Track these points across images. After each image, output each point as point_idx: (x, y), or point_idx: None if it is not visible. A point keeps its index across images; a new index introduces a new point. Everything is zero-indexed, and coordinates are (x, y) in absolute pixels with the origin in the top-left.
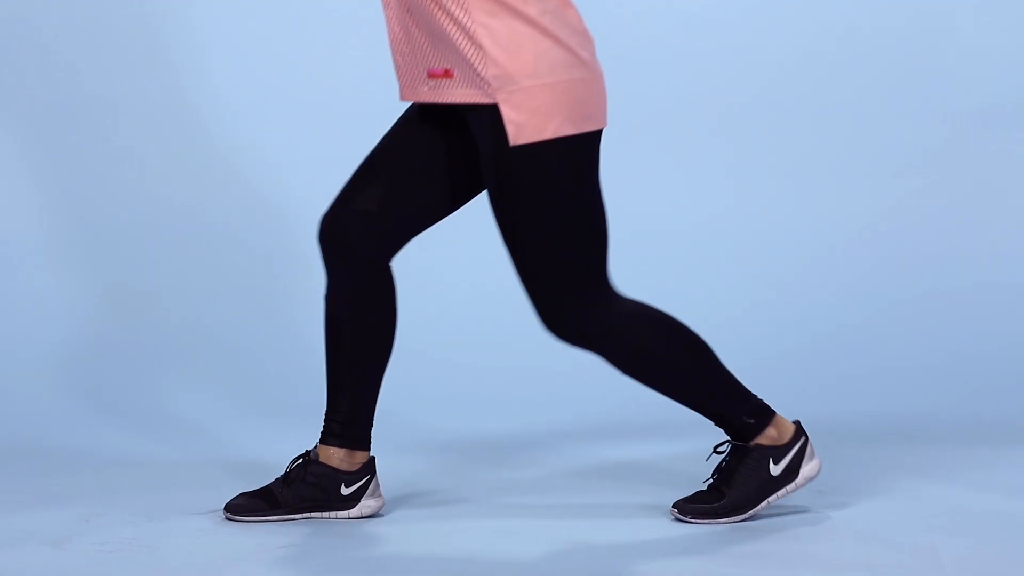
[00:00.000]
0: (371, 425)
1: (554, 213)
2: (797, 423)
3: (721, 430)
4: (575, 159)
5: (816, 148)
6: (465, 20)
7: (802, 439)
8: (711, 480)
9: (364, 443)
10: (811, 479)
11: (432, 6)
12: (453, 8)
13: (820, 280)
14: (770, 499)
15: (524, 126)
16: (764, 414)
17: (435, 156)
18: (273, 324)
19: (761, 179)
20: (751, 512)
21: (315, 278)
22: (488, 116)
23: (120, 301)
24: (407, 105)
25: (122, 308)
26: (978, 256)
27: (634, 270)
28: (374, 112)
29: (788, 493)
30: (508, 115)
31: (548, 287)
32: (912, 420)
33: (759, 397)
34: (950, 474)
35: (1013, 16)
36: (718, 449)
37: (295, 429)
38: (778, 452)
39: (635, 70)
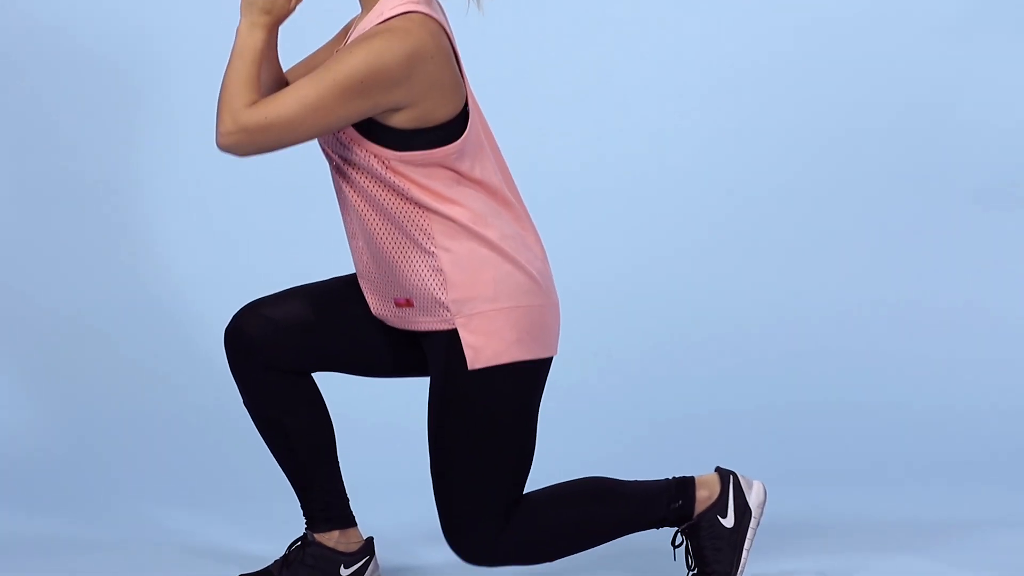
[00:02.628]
0: (347, 501)
1: (494, 436)
2: (717, 469)
3: (666, 528)
4: (524, 384)
5: (813, 227)
6: (428, 245)
7: (730, 479)
8: (693, 572)
9: (350, 519)
10: (763, 502)
11: (396, 235)
12: (416, 234)
13: (819, 354)
14: (745, 547)
15: (482, 350)
16: (684, 489)
17: (376, 330)
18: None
19: (757, 258)
20: (741, 570)
21: None
22: (444, 340)
23: (116, 380)
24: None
25: (117, 388)
26: (976, 333)
27: (637, 352)
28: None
29: (755, 531)
30: (466, 339)
31: (465, 511)
32: (901, 489)
33: (668, 478)
34: (931, 548)
35: (1011, 96)
36: (675, 543)
37: (296, 510)
38: (720, 506)
39: (636, 145)
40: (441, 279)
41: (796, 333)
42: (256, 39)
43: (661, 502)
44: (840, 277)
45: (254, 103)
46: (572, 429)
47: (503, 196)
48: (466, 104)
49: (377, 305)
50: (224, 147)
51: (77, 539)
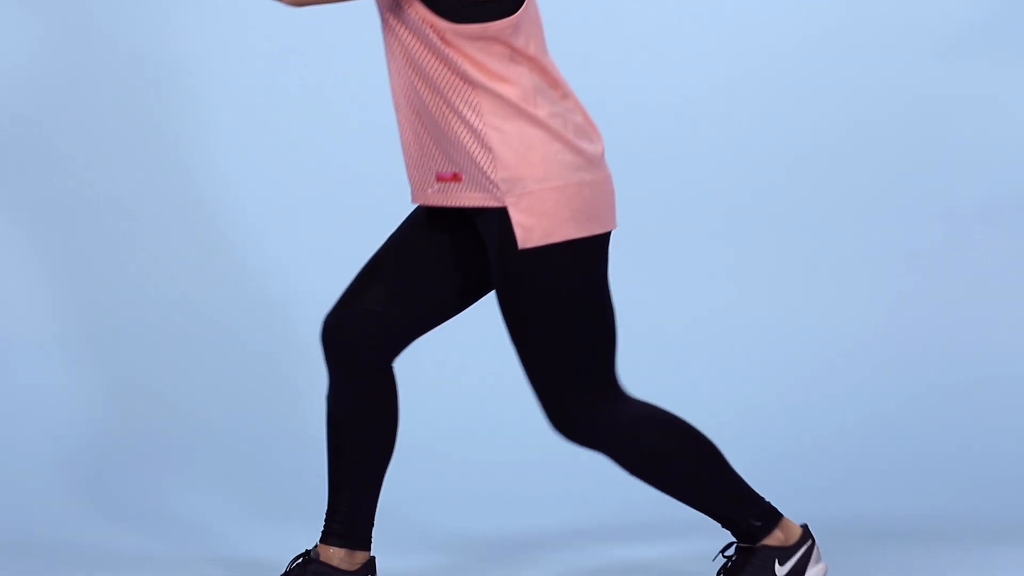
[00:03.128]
0: (372, 525)
1: (562, 315)
2: (804, 526)
3: (728, 532)
4: (583, 262)
5: (815, 246)
6: (476, 123)
7: (808, 542)
8: None
9: (365, 543)
10: None
11: (444, 109)
12: (465, 111)
13: (821, 379)
14: None
15: (533, 229)
16: (771, 516)
17: (442, 255)
18: (278, 422)
19: (760, 278)
20: None
21: (319, 375)
22: (496, 219)
23: (125, 399)
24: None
25: (127, 406)
26: (980, 352)
27: (636, 369)
28: (382, 209)
29: None
30: (517, 218)
31: (555, 388)
32: (917, 519)
33: (766, 500)
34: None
35: (1012, 112)
36: (725, 553)
37: (298, 527)
38: (784, 553)
39: (634, 170)
40: (491, 157)
41: (792, 353)
42: None
43: (748, 509)
44: (840, 297)
45: None
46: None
47: (552, 73)
48: None
49: (418, 186)
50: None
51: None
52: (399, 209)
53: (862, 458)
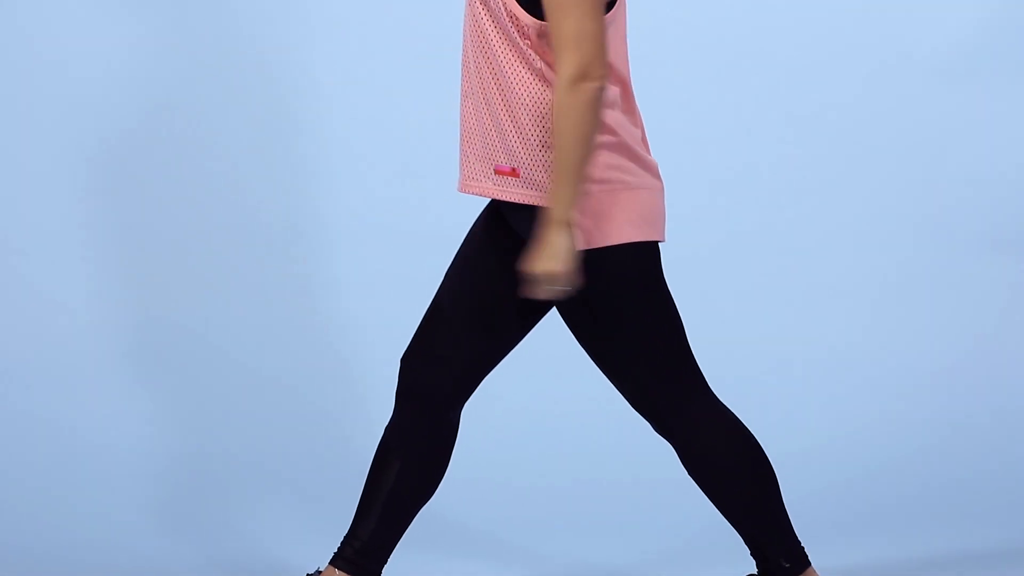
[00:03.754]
0: (385, 561)
1: (631, 311)
2: None
3: (753, 561)
4: (639, 265)
5: (818, 276)
6: (545, 121)
7: None
8: None
9: (374, 574)
10: None
11: (514, 103)
12: (535, 108)
13: (817, 403)
14: None
15: (591, 231)
16: (801, 562)
17: (503, 284)
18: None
19: (757, 304)
20: None
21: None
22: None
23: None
24: (472, 204)
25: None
26: (987, 383)
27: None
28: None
29: None
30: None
31: (636, 384)
32: (932, 561)
33: (803, 546)
34: None
35: (1011, 137)
36: None
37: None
38: None
39: None
40: (552, 155)
41: (793, 381)
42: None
43: (784, 546)
44: (837, 325)
45: (561, 75)
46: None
47: (626, 84)
48: None
49: (471, 175)
50: (596, 88)
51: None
52: (450, 238)
53: (873, 499)
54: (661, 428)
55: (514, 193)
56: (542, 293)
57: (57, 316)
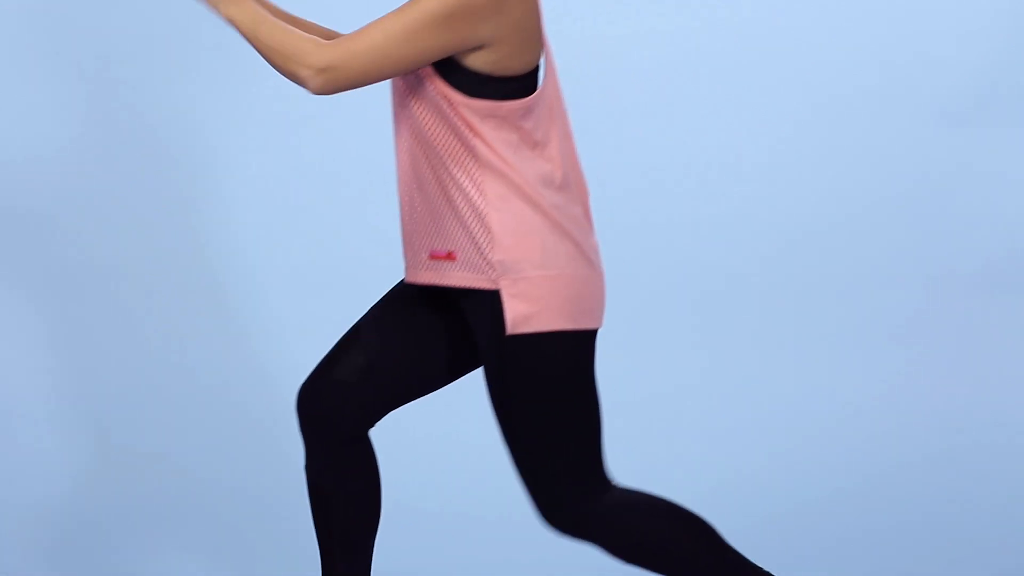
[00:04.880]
0: None
1: (549, 403)
2: None
3: None
4: (572, 353)
5: (812, 312)
6: (479, 201)
7: None
8: None
9: None
10: None
11: (447, 183)
12: (468, 187)
13: (813, 446)
14: None
15: (525, 316)
16: None
17: (429, 327)
18: (272, 488)
19: (756, 346)
20: None
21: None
22: (488, 301)
23: (121, 463)
24: None
25: (122, 470)
26: (975, 420)
27: (630, 438)
28: (381, 281)
29: None
30: (509, 303)
31: (544, 478)
32: None
33: (767, 571)
34: None
35: (1009, 181)
36: None
37: None
38: None
39: (626, 239)
40: (489, 237)
41: (792, 424)
42: (252, 8)
43: None
44: (837, 365)
45: (323, 45)
46: None
47: (562, 163)
48: (540, 62)
49: (412, 263)
50: (318, 88)
51: None
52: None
53: (851, 526)
54: (576, 531)
55: (452, 277)
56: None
57: None
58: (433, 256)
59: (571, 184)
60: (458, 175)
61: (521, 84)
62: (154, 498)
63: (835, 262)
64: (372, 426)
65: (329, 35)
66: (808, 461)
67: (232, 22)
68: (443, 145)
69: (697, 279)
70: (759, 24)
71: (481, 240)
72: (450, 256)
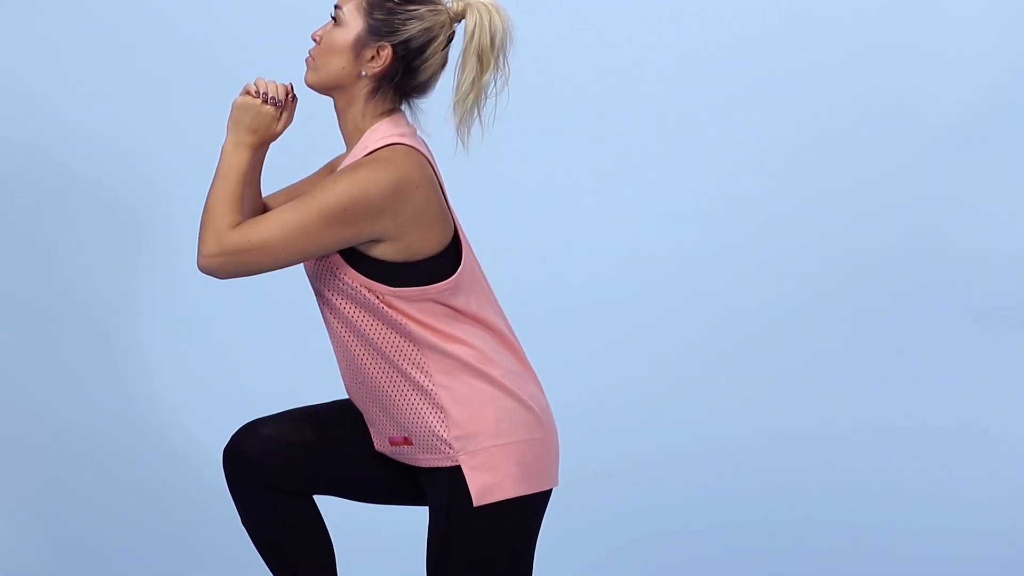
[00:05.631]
0: None
1: (493, 569)
2: None
3: None
4: (527, 517)
5: (814, 348)
6: (425, 383)
7: None
8: None
9: None
10: None
11: (390, 373)
12: (412, 372)
13: (815, 473)
14: None
15: (489, 486)
16: None
17: (375, 455)
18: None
19: (753, 377)
20: None
21: None
22: (447, 474)
23: (122, 495)
24: None
25: (124, 503)
26: (980, 455)
27: (619, 462)
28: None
29: None
30: (471, 476)
31: None
32: None
33: None
34: None
35: (1004, 214)
36: None
37: None
38: None
39: (630, 267)
40: (442, 416)
41: (792, 452)
42: (241, 159)
43: None
44: (838, 397)
45: (237, 225)
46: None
47: (499, 330)
48: (455, 238)
49: (376, 436)
50: (205, 269)
51: None
52: None
53: (860, 557)
54: None
55: (414, 459)
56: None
57: None
58: (392, 443)
59: (516, 347)
60: (399, 361)
61: (440, 263)
62: (158, 532)
63: (831, 295)
64: (301, 491)
65: None
66: (796, 485)
67: (221, 153)
68: (378, 335)
69: (695, 311)
70: (754, 60)
71: (434, 421)
72: (407, 441)
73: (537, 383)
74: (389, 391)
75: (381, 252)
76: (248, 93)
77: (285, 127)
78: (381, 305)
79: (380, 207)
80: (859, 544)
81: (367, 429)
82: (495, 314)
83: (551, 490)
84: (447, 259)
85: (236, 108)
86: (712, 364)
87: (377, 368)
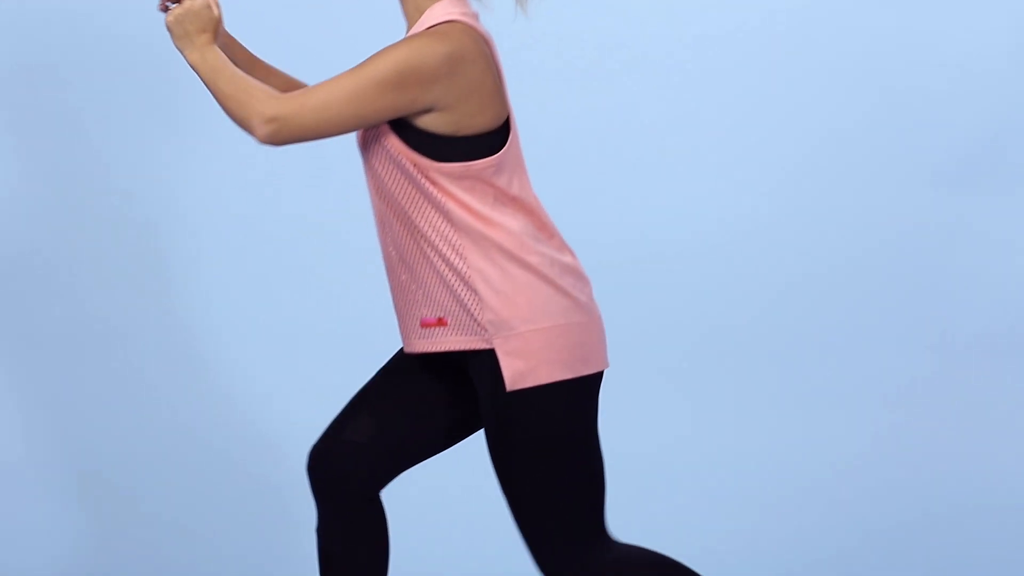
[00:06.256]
0: None
1: (550, 460)
2: None
3: None
4: (572, 404)
5: (809, 375)
6: (460, 265)
7: None
8: None
9: None
10: None
11: (427, 250)
12: (448, 253)
13: (812, 507)
14: None
15: (521, 371)
16: None
17: (432, 391)
18: (278, 554)
19: (753, 407)
20: None
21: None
22: (486, 360)
23: (120, 535)
24: None
25: (121, 542)
26: (971, 484)
27: (617, 499)
28: (379, 341)
29: None
30: (504, 361)
31: (542, 533)
32: None
33: None
34: None
35: (1005, 244)
36: None
37: None
38: None
39: (618, 298)
40: (476, 299)
41: (794, 483)
42: (214, 57)
43: None
44: (842, 432)
45: (276, 97)
46: None
47: (539, 213)
48: (505, 123)
49: (406, 334)
50: (266, 138)
51: None
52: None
53: None
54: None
55: (446, 342)
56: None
57: None
58: (424, 324)
59: (555, 233)
60: (437, 241)
61: (489, 141)
62: (158, 563)
63: (829, 325)
64: (382, 488)
65: (299, 87)
66: (803, 522)
67: (194, 68)
68: (418, 213)
69: (688, 339)
70: (751, 85)
71: (469, 303)
72: (441, 322)
73: (578, 268)
74: (425, 269)
75: (430, 122)
76: (167, 9)
77: (219, 7)
78: (424, 181)
79: (434, 75)
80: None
81: (415, 382)
82: (535, 200)
83: (600, 374)
84: (495, 139)
85: (171, 26)
86: (696, 393)
87: (415, 245)
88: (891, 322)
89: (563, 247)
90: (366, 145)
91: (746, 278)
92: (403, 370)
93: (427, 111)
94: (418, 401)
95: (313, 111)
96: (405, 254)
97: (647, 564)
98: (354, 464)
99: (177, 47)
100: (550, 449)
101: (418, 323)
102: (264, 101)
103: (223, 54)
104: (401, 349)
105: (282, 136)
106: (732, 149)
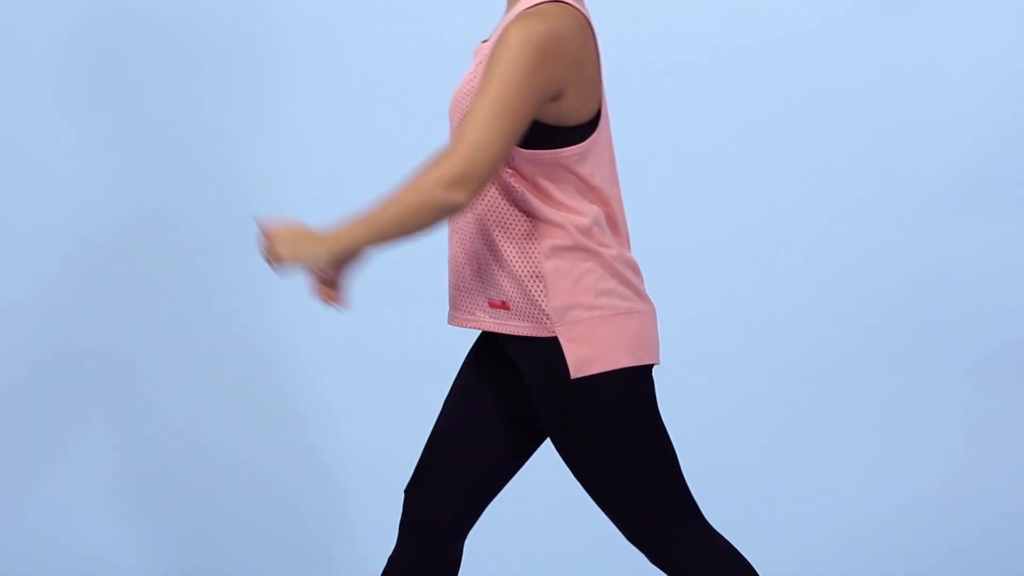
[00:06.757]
0: None
1: (620, 445)
2: None
3: None
4: (634, 391)
5: (812, 403)
6: (532, 250)
7: None
8: None
9: None
10: None
11: (495, 234)
12: (522, 238)
13: (818, 532)
14: None
15: (587, 358)
16: None
17: (498, 412)
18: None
19: (761, 431)
20: None
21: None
22: (543, 349)
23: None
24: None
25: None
26: (977, 508)
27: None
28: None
29: None
30: (569, 348)
31: (626, 507)
32: None
33: None
34: None
35: (1008, 269)
36: None
37: None
38: None
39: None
40: (542, 286)
41: (794, 510)
42: (337, 234)
43: None
44: (838, 456)
45: (434, 165)
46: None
47: (614, 207)
48: (597, 114)
49: (463, 308)
50: (466, 198)
51: None
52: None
53: None
54: (656, 558)
55: (508, 326)
56: (264, 253)
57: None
58: (491, 304)
59: (622, 229)
60: (508, 228)
61: (582, 130)
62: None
63: (828, 346)
64: (466, 534)
65: None
66: (800, 545)
67: (355, 249)
68: (495, 200)
69: (695, 365)
70: (757, 107)
71: (534, 290)
72: (504, 306)
73: (637, 267)
74: (494, 254)
75: (546, 113)
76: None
77: (282, 224)
78: (507, 170)
79: (570, 46)
80: None
81: (482, 414)
82: (615, 196)
83: (652, 367)
84: (586, 127)
85: (288, 259)
86: (706, 416)
87: (481, 229)
88: (895, 343)
89: (627, 244)
90: (453, 123)
91: (753, 302)
92: (466, 397)
93: (559, 93)
94: (487, 430)
95: (480, 149)
96: (475, 236)
97: (733, 558)
98: (445, 510)
99: (310, 264)
100: (617, 434)
101: (486, 302)
102: (430, 178)
103: (337, 226)
104: (461, 372)
105: (474, 185)
106: (726, 180)
